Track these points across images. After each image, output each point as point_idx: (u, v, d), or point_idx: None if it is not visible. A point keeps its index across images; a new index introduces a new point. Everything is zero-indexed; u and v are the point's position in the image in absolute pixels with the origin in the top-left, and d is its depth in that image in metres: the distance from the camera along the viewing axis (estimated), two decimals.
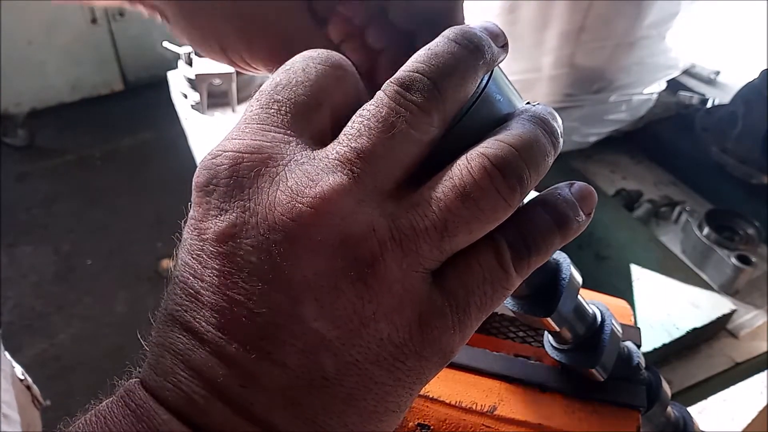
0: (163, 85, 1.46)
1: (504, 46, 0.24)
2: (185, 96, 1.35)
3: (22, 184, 2.57)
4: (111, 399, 0.21)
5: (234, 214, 0.20)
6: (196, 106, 1.32)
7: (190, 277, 0.21)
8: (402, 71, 0.22)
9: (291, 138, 0.22)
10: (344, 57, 0.24)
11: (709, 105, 1.18)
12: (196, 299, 0.20)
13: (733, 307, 0.88)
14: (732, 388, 0.92)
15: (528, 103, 0.25)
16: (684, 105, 1.20)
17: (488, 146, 0.22)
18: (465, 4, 0.31)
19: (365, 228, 0.20)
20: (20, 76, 2.73)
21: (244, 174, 0.21)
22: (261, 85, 0.24)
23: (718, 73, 1.33)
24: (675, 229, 1.04)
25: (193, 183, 0.22)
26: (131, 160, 2.70)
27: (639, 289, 0.89)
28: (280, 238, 0.20)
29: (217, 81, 1.23)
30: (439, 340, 0.21)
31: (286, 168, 0.21)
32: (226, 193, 0.21)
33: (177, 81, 1.38)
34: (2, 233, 2.29)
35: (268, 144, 0.21)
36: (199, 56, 1.22)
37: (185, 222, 0.22)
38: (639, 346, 0.38)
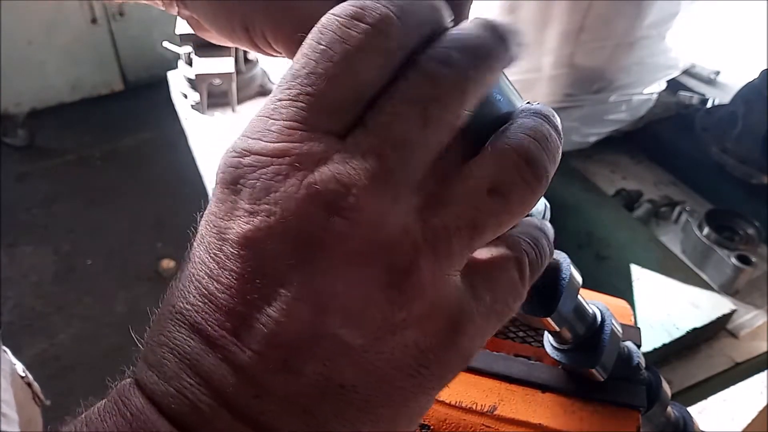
0: (163, 85, 1.46)
1: (520, 45, 0.23)
2: (185, 96, 1.35)
3: (22, 184, 2.57)
4: (103, 402, 0.20)
5: (260, 218, 0.19)
6: (196, 106, 1.32)
7: (206, 277, 0.19)
8: (436, 51, 0.20)
9: (320, 135, 0.20)
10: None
11: (709, 105, 1.18)
12: (210, 301, 0.19)
13: (733, 307, 0.88)
14: (732, 388, 0.92)
15: (528, 102, 0.25)
16: (684, 105, 1.20)
17: (511, 138, 0.21)
18: None
19: (399, 232, 0.19)
20: (20, 76, 2.73)
21: (272, 177, 0.19)
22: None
23: (718, 73, 1.33)
24: (675, 229, 1.04)
25: (218, 178, 0.20)
26: (131, 160, 2.70)
27: (639, 289, 0.89)
28: (309, 246, 0.19)
29: (217, 81, 1.23)
30: (464, 346, 0.21)
31: (317, 170, 0.19)
32: (252, 194, 0.19)
33: (177, 81, 1.38)
34: (2, 233, 2.29)
35: (298, 144, 0.19)
36: (202, 56, 1.22)
37: (201, 216, 0.21)
38: (639, 346, 0.38)
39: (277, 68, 1.41)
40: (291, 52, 0.30)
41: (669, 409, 0.38)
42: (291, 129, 0.20)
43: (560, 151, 0.23)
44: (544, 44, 1.05)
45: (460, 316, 0.20)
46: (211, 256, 0.20)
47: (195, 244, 0.21)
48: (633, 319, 0.40)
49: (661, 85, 1.15)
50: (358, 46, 0.20)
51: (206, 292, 0.19)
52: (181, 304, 0.20)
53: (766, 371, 0.92)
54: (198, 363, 0.19)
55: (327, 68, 0.20)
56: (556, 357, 0.35)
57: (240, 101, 1.31)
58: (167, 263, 2.27)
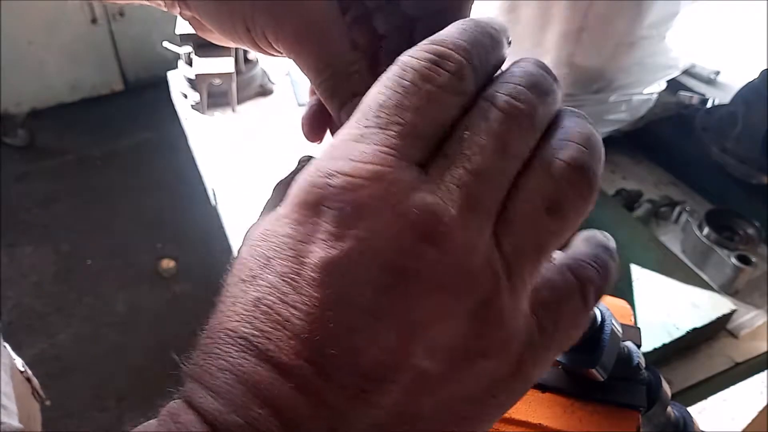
0: (163, 85, 1.46)
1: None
2: (185, 96, 1.35)
3: (22, 184, 2.57)
4: (152, 424, 0.19)
5: (348, 244, 0.18)
6: (196, 106, 1.32)
7: (278, 302, 0.19)
8: (509, 88, 0.21)
9: (409, 164, 0.20)
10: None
11: (709, 105, 1.18)
12: (284, 327, 0.18)
13: (733, 307, 0.88)
14: (732, 388, 0.92)
15: None
16: (684, 105, 1.20)
17: (559, 150, 0.21)
18: None
19: (484, 262, 0.19)
20: (20, 76, 2.73)
21: (364, 202, 0.19)
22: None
23: (718, 73, 1.33)
24: (675, 229, 1.04)
25: (296, 198, 0.20)
26: (131, 160, 2.70)
27: (639, 289, 0.89)
28: (399, 276, 0.18)
29: (217, 81, 1.23)
30: (531, 375, 0.21)
31: (408, 199, 0.19)
32: (340, 218, 0.19)
33: (177, 81, 1.38)
34: (2, 233, 2.29)
35: (389, 170, 0.19)
36: (202, 56, 1.22)
37: (264, 233, 0.20)
38: (639, 346, 0.38)
39: (277, 68, 1.41)
40: (292, 52, 0.30)
41: (669, 409, 0.38)
42: (384, 154, 0.19)
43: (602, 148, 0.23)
44: (544, 44, 1.05)
45: (528, 346, 0.20)
46: (285, 281, 0.19)
47: (251, 265, 0.20)
48: (633, 319, 0.40)
49: (661, 85, 1.15)
50: (441, 86, 0.21)
51: (279, 318, 0.18)
52: (246, 329, 0.19)
53: (766, 371, 0.92)
54: (269, 393, 0.18)
55: (413, 102, 0.20)
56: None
57: (240, 101, 1.31)
58: (167, 263, 2.27)
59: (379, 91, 0.21)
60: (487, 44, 0.22)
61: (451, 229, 0.19)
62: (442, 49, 0.21)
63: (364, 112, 0.21)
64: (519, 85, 0.22)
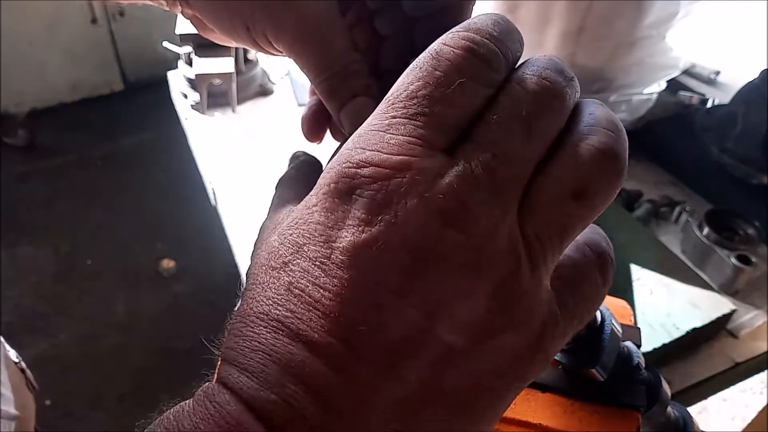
0: (163, 85, 1.46)
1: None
2: (185, 96, 1.35)
3: (22, 184, 2.57)
4: (190, 405, 0.20)
5: (377, 228, 0.19)
6: (196, 106, 1.32)
7: (309, 285, 0.20)
8: (536, 71, 0.22)
9: (436, 151, 0.21)
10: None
11: (709, 105, 1.18)
12: (316, 308, 0.19)
13: (733, 307, 0.88)
14: (732, 388, 0.92)
15: None
16: (684, 105, 1.20)
17: (587, 135, 0.22)
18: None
19: (506, 245, 0.20)
20: (20, 76, 2.74)
21: (393, 190, 0.20)
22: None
23: (718, 73, 1.33)
24: (675, 229, 1.04)
25: (327, 188, 0.21)
26: (131, 160, 2.70)
27: (639, 289, 0.89)
28: (424, 259, 0.19)
29: (217, 81, 1.23)
30: (550, 348, 0.22)
31: (435, 186, 0.20)
32: (371, 205, 0.20)
33: (177, 81, 1.38)
34: (2, 233, 2.29)
35: (418, 159, 0.20)
36: (202, 56, 1.22)
37: (295, 222, 0.21)
38: (639, 346, 0.38)
39: (277, 68, 1.41)
40: (291, 51, 0.30)
41: (669, 409, 0.38)
42: (411, 144, 0.20)
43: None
44: (544, 44, 1.05)
45: (549, 320, 0.21)
46: (316, 265, 0.20)
47: (283, 252, 0.21)
48: (633, 319, 0.40)
49: (661, 85, 1.15)
50: (472, 77, 0.21)
51: (311, 300, 0.19)
52: (278, 312, 0.20)
53: (766, 371, 0.92)
54: (302, 371, 0.19)
55: (444, 93, 0.21)
56: (556, 357, 0.35)
57: (240, 101, 1.31)
58: (167, 263, 2.27)
59: (410, 80, 0.22)
60: (516, 37, 0.23)
61: (474, 213, 0.20)
62: (478, 38, 0.22)
63: (392, 101, 0.22)
64: (545, 69, 0.22)
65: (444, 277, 0.19)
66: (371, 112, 0.24)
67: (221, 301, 1.98)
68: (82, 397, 1.85)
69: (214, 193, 1.17)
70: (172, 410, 0.20)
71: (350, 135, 0.22)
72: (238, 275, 0.96)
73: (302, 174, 0.31)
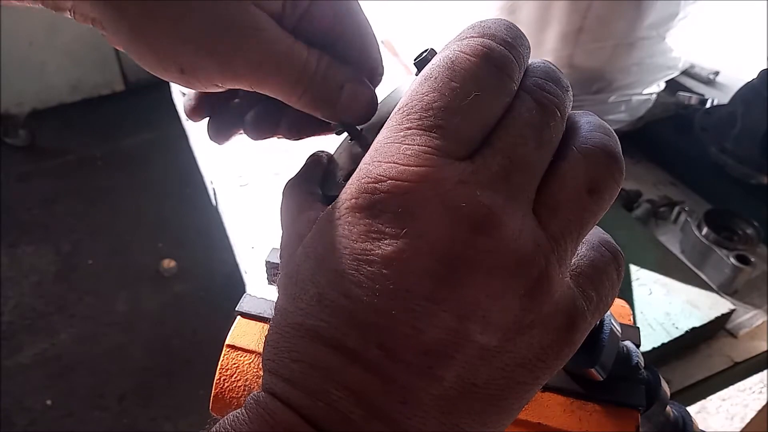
0: (164, 85, 1.45)
1: None
2: (185, 96, 1.35)
3: (23, 184, 2.57)
4: (244, 416, 0.21)
5: (404, 241, 0.20)
6: None
7: (341, 297, 0.20)
8: (539, 83, 0.23)
9: (453, 160, 0.21)
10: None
11: (708, 105, 1.18)
12: (350, 317, 0.20)
13: (732, 306, 0.88)
14: (731, 387, 0.92)
15: None
16: (683, 105, 1.20)
17: (590, 138, 0.23)
18: (466, 5, 0.31)
19: (532, 245, 0.21)
20: (21, 77, 2.74)
21: (414, 202, 0.20)
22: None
23: (717, 73, 1.33)
24: (674, 229, 1.05)
25: (349, 204, 0.21)
26: (132, 160, 2.70)
27: (638, 289, 0.89)
28: (455, 266, 0.20)
29: None
30: (576, 341, 0.23)
31: (455, 194, 0.20)
32: (393, 219, 0.20)
33: None
34: (3, 233, 2.29)
35: (434, 170, 0.20)
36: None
37: (319, 234, 0.22)
38: (638, 346, 0.38)
39: None
40: (252, 84, 0.28)
41: (668, 408, 0.39)
42: (427, 155, 0.21)
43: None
44: (544, 45, 1.06)
45: (575, 313, 0.22)
46: (344, 277, 0.21)
47: (309, 265, 0.22)
48: (632, 319, 0.41)
49: (660, 86, 1.15)
50: (489, 88, 0.22)
51: (344, 310, 0.20)
52: (311, 322, 0.21)
53: (765, 371, 0.93)
54: (342, 377, 0.20)
55: (461, 105, 0.21)
56: None
57: None
58: (168, 263, 2.27)
59: (425, 90, 0.22)
60: (525, 43, 0.24)
61: (499, 217, 0.20)
62: (494, 44, 0.22)
63: (407, 111, 0.22)
64: (547, 80, 0.23)
65: (476, 281, 0.20)
66: (365, 90, 0.25)
67: (222, 301, 1.98)
68: (82, 397, 1.85)
69: (214, 193, 1.17)
70: (227, 418, 0.21)
71: (363, 124, 0.23)
72: (239, 275, 0.96)
73: (313, 176, 0.31)
